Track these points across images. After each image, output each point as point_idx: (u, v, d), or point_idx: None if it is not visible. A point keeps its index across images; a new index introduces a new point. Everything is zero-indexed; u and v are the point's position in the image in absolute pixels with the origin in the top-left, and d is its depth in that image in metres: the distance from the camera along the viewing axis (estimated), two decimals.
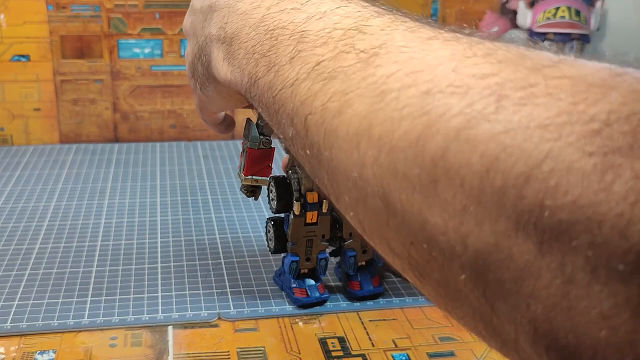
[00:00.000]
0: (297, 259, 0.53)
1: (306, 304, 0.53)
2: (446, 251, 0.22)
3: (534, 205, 0.19)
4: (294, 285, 0.53)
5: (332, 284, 0.57)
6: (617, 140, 0.18)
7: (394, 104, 0.24)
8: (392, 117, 0.24)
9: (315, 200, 0.52)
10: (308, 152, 0.29)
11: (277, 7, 0.33)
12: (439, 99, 0.23)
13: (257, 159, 0.50)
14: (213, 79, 0.41)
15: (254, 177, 0.50)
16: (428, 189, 0.22)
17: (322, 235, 0.53)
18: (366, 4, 0.31)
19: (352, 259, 0.54)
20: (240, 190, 0.52)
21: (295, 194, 0.51)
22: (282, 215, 0.53)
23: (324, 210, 0.52)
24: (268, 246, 0.54)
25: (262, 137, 0.50)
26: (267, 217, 0.54)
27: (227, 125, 0.55)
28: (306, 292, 0.53)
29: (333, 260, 0.56)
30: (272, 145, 0.50)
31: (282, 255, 0.54)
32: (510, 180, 0.20)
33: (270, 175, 0.52)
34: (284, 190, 0.52)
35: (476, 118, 0.21)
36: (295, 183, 0.52)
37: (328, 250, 0.55)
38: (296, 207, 0.51)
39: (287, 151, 0.52)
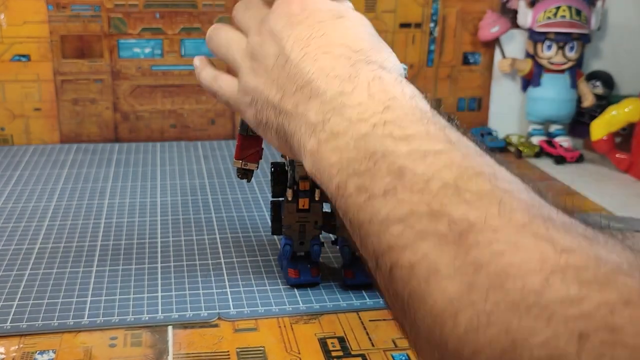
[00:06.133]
0: (291, 242, 0.55)
1: (297, 284, 0.55)
2: None
3: None
4: (289, 266, 0.56)
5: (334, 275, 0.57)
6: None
7: (482, 305, 0.25)
8: (479, 317, 0.24)
9: (307, 188, 0.54)
10: (391, 294, 0.29)
11: (382, 129, 0.32)
12: (525, 320, 0.23)
13: (247, 144, 0.52)
14: (284, 140, 0.39)
15: (244, 162, 0.53)
16: None
17: (315, 222, 0.55)
18: (468, 146, 0.31)
19: (347, 248, 0.55)
20: (235, 174, 0.55)
21: (289, 181, 0.54)
22: (282, 199, 0.56)
23: (316, 198, 0.54)
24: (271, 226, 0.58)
25: None
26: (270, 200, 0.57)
27: None
28: (299, 273, 0.55)
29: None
30: None
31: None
32: None
33: (271, 161, 0.55)
34: (281, 176, 0.54)
35: (557, 355, 0.22)
36: (291, 170, 0.53)
37: (329, 239, 0.57)
38: (289, 193, 0.54)
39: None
